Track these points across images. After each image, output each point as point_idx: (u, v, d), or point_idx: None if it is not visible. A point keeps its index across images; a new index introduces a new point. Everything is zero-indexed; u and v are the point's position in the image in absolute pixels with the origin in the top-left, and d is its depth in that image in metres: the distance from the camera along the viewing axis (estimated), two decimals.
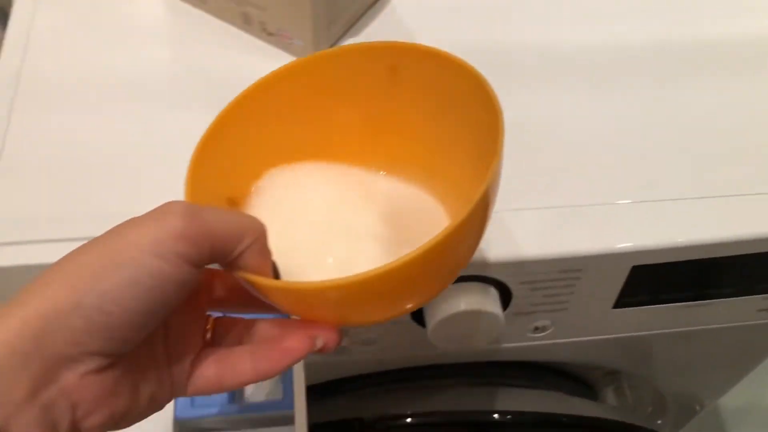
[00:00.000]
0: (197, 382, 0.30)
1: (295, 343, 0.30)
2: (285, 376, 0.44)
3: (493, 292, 0.44)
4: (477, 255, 0.42)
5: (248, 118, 0.35)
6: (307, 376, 0.45)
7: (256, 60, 0.50)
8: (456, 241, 0.28)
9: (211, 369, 0.30)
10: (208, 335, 0.32)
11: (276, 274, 0.31)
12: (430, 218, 0.37)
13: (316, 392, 0.52)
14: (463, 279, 0.43)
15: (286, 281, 0.30)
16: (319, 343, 0.30)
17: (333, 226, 0.36)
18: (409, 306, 0.32)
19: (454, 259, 0.31)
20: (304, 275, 0.33)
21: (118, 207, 0.43)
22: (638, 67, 0.51)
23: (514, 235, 0.43)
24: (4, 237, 0.42)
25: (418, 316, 0.46)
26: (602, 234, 0.42)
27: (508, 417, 0.56)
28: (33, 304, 0.24)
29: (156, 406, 0.29)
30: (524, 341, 0.50)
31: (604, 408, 0.58)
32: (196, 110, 0.42)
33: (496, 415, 0.56)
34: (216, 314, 0.33)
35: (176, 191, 0.31)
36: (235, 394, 0.45)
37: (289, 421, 0.45)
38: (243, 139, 0.36)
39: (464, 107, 0.35)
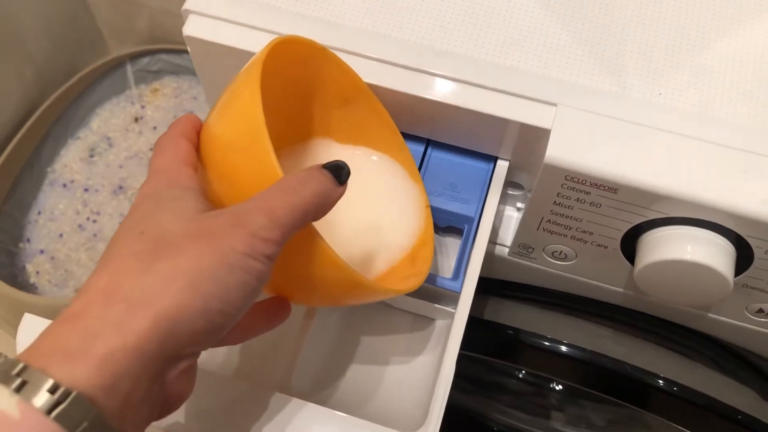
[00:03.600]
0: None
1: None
2: (460, 257, 0.40)
3: (731, 251, 0.36)
4: (725, 201, 0.34)
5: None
6: (487, 269, 0.40)
7: None
8: None
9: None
10: None
11: None
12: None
13: (485, 286, 0.48)
14: (696, 223, 0.36)
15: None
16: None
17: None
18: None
19: None
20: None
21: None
22: None
23: None
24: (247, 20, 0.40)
25: (628, 248, 0.39)
26: None
27: (675, 389, 0.49)
28: (160, 304, 0.24)
29: None
30: (736, 319, 0.42)
31: None
32: None
33: (661, 381, 0.50)
34: None
35: None
36: None
37: (451, 302, 0.42)
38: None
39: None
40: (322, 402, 0.36)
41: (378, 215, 0.40)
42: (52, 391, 0.22)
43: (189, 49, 0.41)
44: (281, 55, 0.34)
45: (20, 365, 0.23)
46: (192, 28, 0.40)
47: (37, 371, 0.23)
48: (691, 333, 0.47)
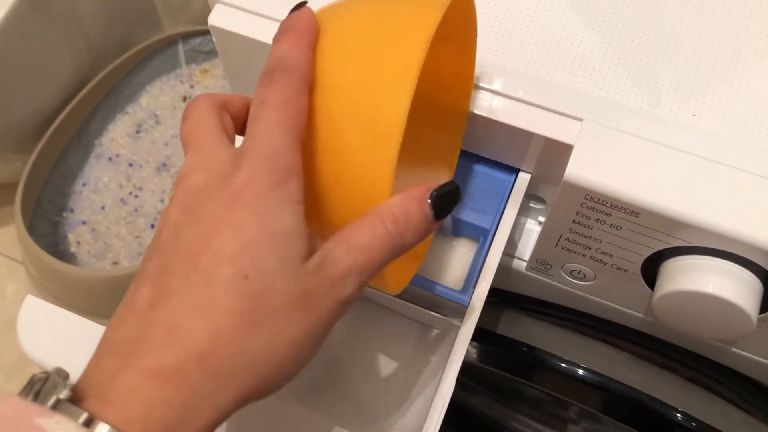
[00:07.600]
0: None
1: None
2: (472, 270, 0.39)
3: (757, 287, 0.34)
4: (755, 234, 0.32)
5: None
6: (504, 282, 0.39)
7: None
8: None
9: None
10: None
11: None
12: None
13: (501, 297, 0.47)
14: (722, 255, 0.34)
15: None
16: None
17: None
18: None
19: None
20: None
21: None
22: None
23: None
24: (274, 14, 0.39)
25: (649, 273, 0.38)
26: None
27: (693, 424, 0.47)
28: (249, 377, 0.24)
29: None
30: (762, 356, 0.40)
31: None
32: None
33: (679, 416, 0.48)
34: None
35: None
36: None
37: (458, 314, 0.41)
38: None
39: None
40: (321, 409, 0.35)
41: None
42: None
43: (213, 39, 0.41)
44: None
45: None
46: (217, 18, 0.40)
47: None
48: (712, 365, 0.45)
